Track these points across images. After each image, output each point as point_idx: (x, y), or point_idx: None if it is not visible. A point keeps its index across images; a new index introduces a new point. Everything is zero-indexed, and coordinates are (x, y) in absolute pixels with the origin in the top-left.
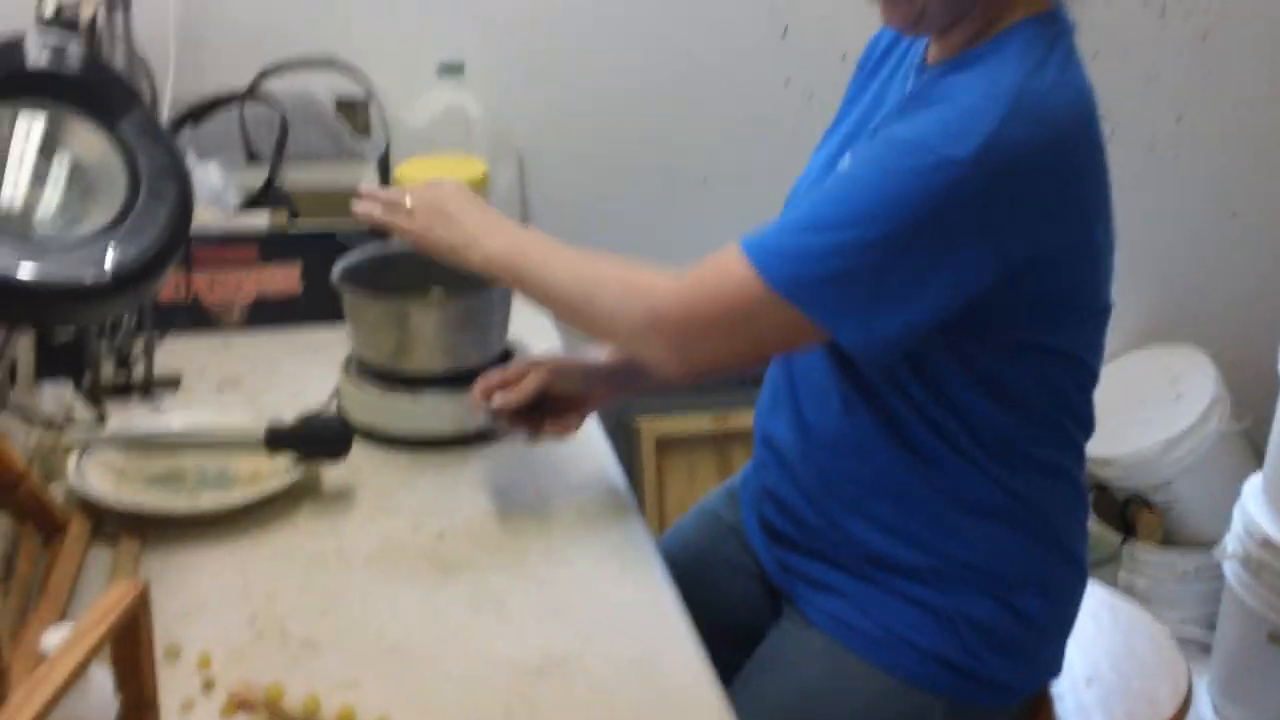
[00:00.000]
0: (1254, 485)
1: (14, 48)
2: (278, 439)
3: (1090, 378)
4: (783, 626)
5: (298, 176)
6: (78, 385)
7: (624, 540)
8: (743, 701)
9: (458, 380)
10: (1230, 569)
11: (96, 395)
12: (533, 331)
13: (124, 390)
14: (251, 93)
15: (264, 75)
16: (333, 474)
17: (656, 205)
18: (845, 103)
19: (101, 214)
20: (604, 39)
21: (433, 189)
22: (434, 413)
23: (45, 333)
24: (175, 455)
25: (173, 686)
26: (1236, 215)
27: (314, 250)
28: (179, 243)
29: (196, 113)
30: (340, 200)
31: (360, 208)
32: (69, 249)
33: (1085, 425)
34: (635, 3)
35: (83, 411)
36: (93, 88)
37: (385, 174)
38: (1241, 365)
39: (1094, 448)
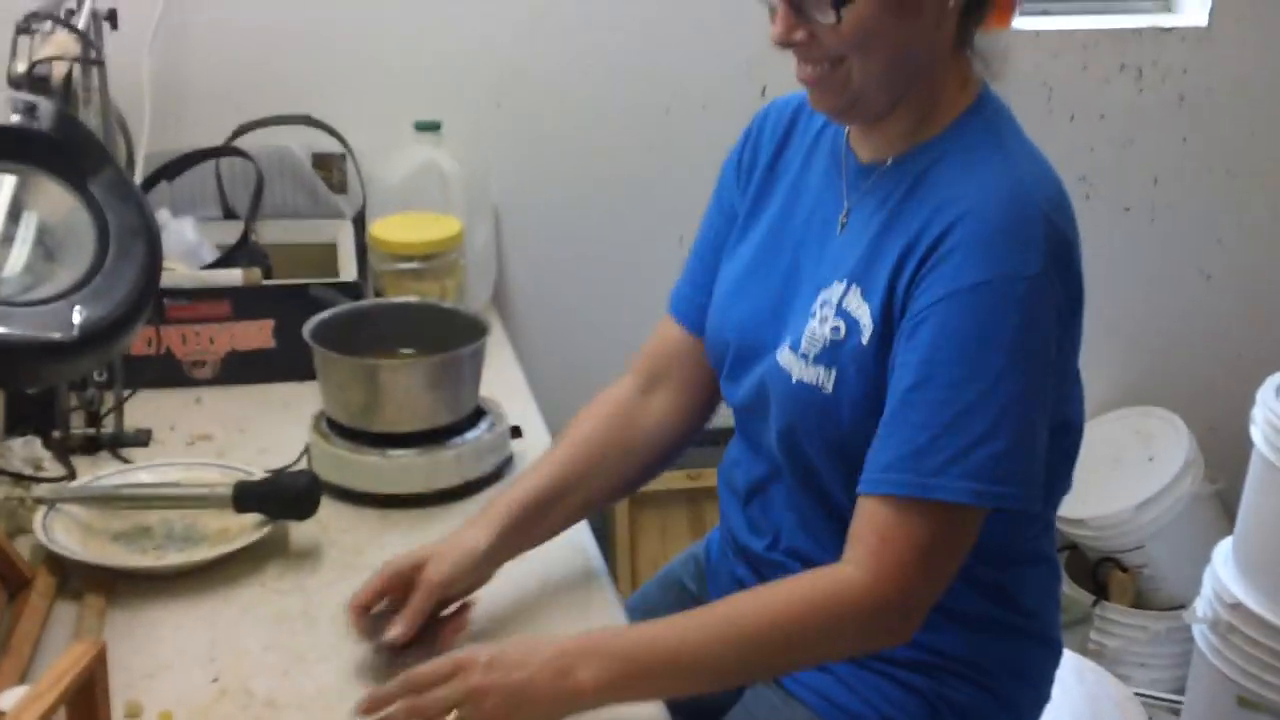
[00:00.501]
0: (1224, 549)
1: None
2: (246, 497)
3: (1078, 440)
4: (760, 696)
5: (273, 232)
6: (46, 440)
7: (591, 604)
8: None
9: (428, 438)
10: (1199, 632)
11: (65, 450)
12: (505, 389)
13: (93, 445)
14: (227, 148)
15: (240, 131)
16: (301, 531)
17: (633, 263)
18: (740, 199)
19: (70, 273)
20: (581, 97)
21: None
22: (403, 471)
23: (13, 390)
24: (143, 511)
25: None
26: (1211, 278)
27: (287, 306)
28: (147, 302)
29: (172, 168)
30: (315, 256)
31: None
32: (35, 308)
33: (1065, 492)
34: (613, 61)
35: (51, 466)
36: (63, 147)
37: (361, 230)
38: (1215, 427)
39: (1067, 509)
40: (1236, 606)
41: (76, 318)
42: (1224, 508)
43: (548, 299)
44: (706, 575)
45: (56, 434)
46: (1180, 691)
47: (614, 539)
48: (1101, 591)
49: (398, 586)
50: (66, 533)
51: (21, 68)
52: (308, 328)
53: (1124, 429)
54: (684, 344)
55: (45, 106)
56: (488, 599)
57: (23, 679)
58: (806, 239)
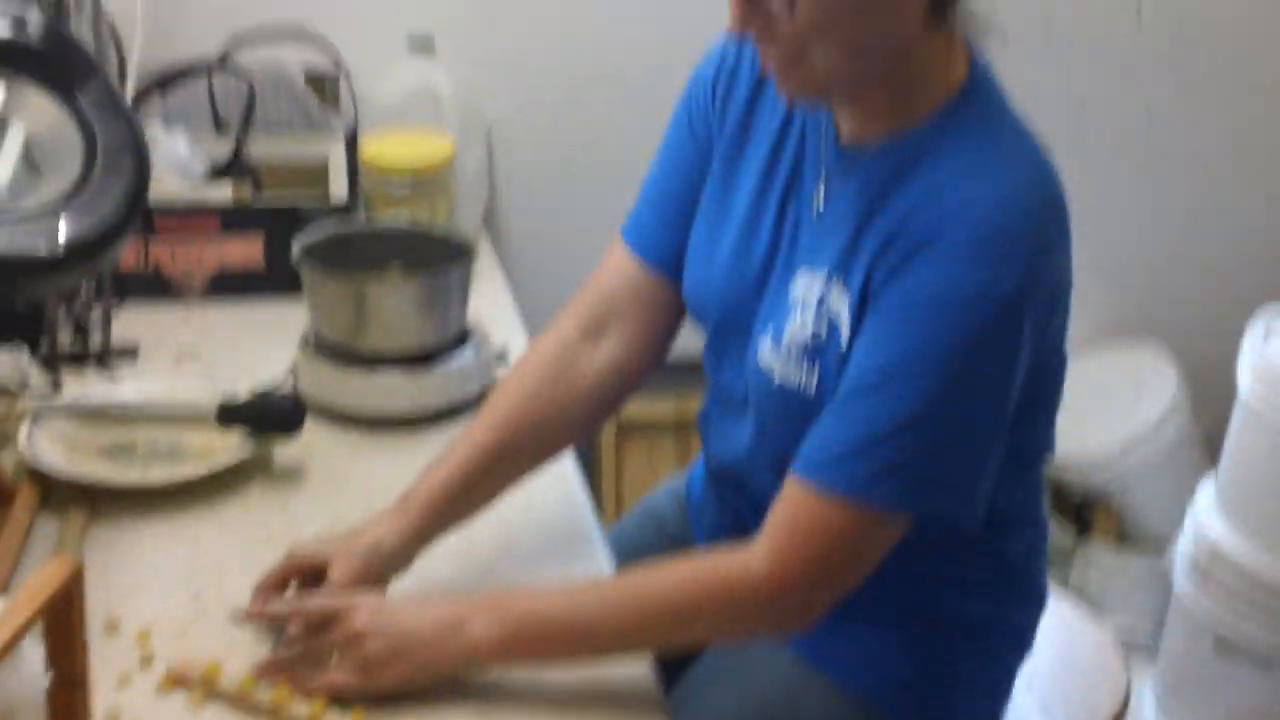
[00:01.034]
0: (1206, 491)
1: None
2: (230, 414)
3: (1059, 392)
4: None
5: (265, 148)
6: (34, 352)
7: (573, 530)
8: (694, 710)
9: (415, 360)
10: (1179, 576)
11: (52, 363)
12: (494, 313)
13: (80, 359)
14: (221, 62)
15: (233, 44)
16: (285, 451)
17: (627, 189)
18: (717, 126)
19: (56, 186)
20: (578, 18)
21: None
22: (390, 392)
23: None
24: (127, 427)
25: (111, 660)
26: (1205, 214)
27: (277, 224)
28: (133, 218)
29: (164, 81)
30: (306, 174)
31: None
32: (21, 221)
33: (1050, 452)
34: None
35: (38, 379)
36: (52, 58)
37: (353, 148)
38: (1202, 365)
39: None
40: (1216, 550)
41: (62, 232)
42: (1209, 448)
43: (540, 223)
44: (689, 514)
45: (43, 347)
46: (1159, 633)
47: (599, 465)
48: (1084, 530)
49: (304, 574)
50: (51, 446)
51: None
52: (297, 246)
53: (1111, 365)
54: (641, 281)
55: (34, 17)
56: (467, 528)
57: (3, 592)
58: (785, 213)
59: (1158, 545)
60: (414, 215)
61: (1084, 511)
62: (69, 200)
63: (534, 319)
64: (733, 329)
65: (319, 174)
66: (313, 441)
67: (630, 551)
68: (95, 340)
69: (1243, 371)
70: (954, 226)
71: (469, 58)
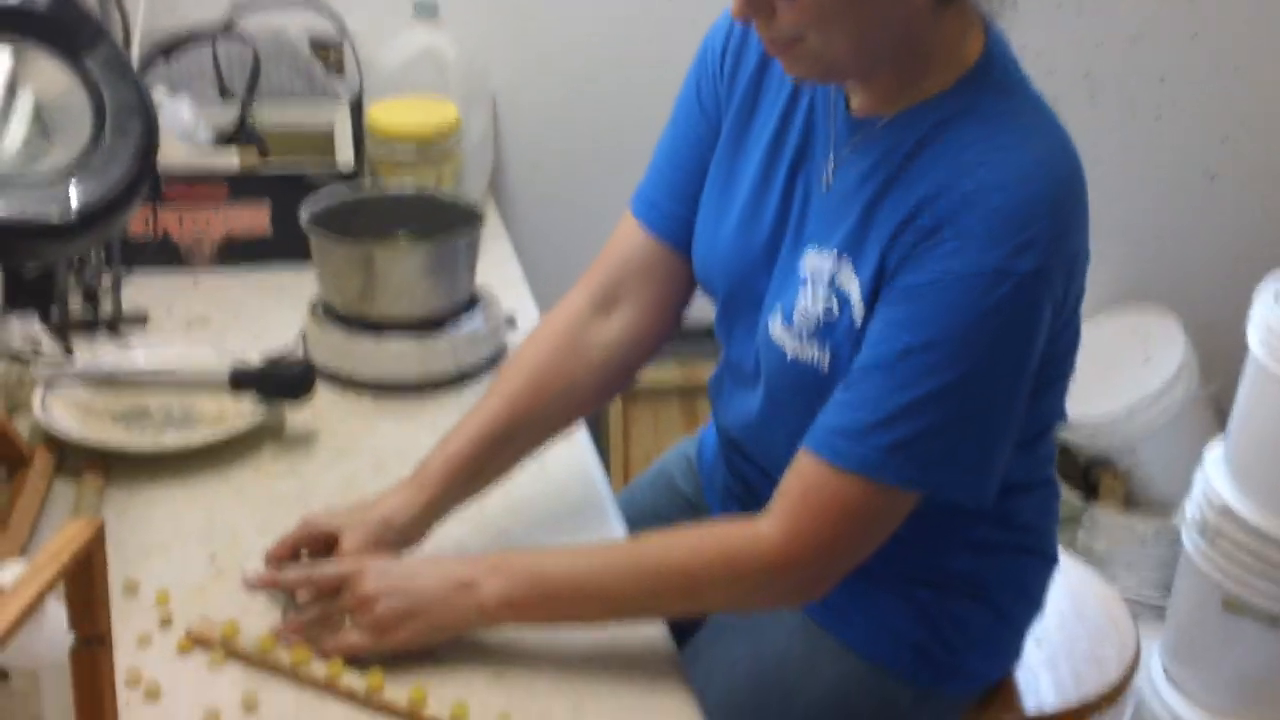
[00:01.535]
0: (1215, 453)
1: None
2: (242, 380)
3: (1074, 363)
4: None
5: (270, 114)
6: (45, 319)
7: (584, 495)
8: (705, 666)
9: (423, 326)
10: (1188, 535)
11: (64, 330)
12: (500, 279)
13: (91, 326)
14: (225, 29)
15: (238, 10)
16: (296, 416)
17: (632, 155)
18: (725, 95)
19: (65, 151)
20: None
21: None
22: (398, 357)
23: (11, 267)
24: (141, 393)
25: (130, 621)
26: (1215, 178)
27: (283, 191)
28: (144, 181)
29: (169, 47)
30: (312, 141)
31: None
32: (34, 186)
33: (1062, 416)
34: None
35: (49, 345)
36: (59, 22)
37: (359, 115)
38: (1212, 329)
39: None
40: (1225, 510)
41: (74, 196)
42: (1216, 411)
43: (545, 189)
44: (701, 478)
45: (54, 314)
46: (1167, 594)
47: (607, 430)
48: (1091, 493)
49: (316, 543)
50: (65, 412)
51: None
52: (304, 213)
53: (1121, 329)
54: (651, 253)
55: None
56: None
57: (22, 555)
58: (794, 185)
59: (1164, 509)
60: (420, 181)
61: (1090, 475)
62: (80, 165)
63: (540, 285)
64: (742, 302)
65: (324, 141)
66: (323, 407)
67: (643, 515)
68: (105, 307)
69: (1253, 332)
70: (973, 205)
71: (473, 23)
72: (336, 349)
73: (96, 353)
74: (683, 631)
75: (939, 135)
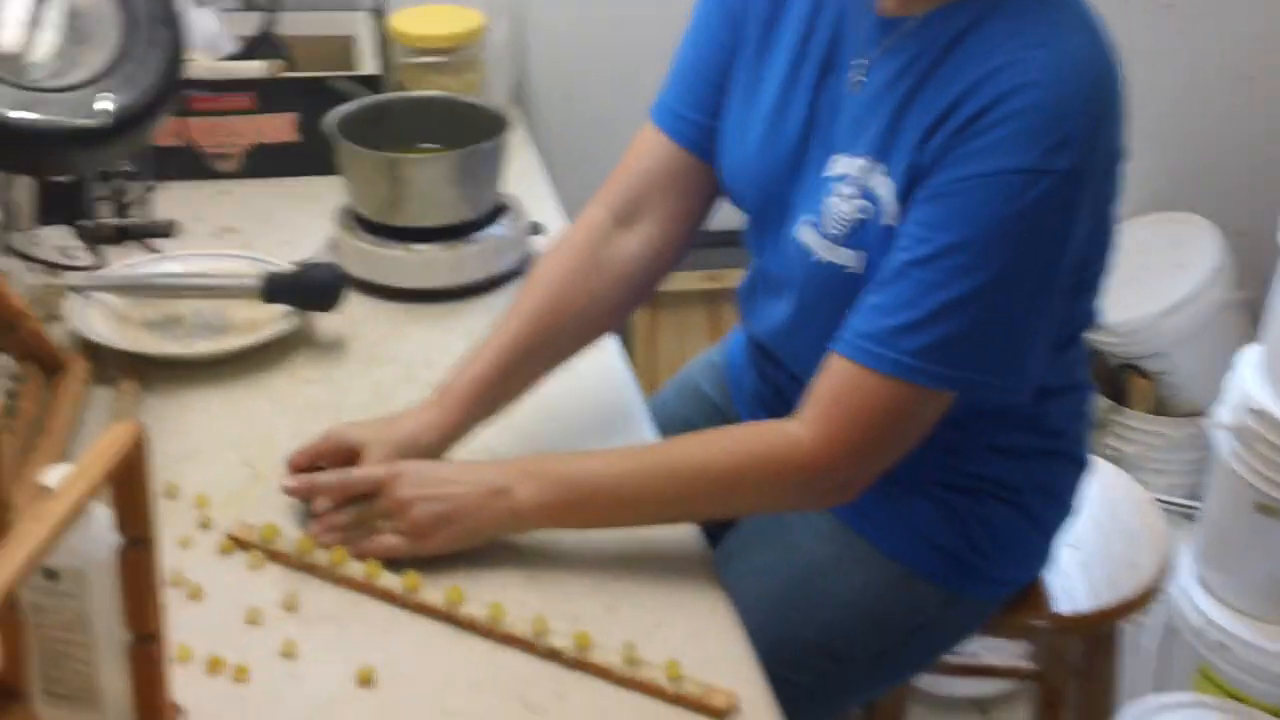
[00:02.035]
0: (1251, 356)
1: None
2: (274, 288)
3: (1109, 265)
4: None
5: (293, 24)
6: (77, 229)
7: (615, 400)
8: (736, 569)
9: (451, 233)
10: (1222, 438)
11: (95, 239)
12: (526, 187)
13: (122, 235)
14: None
15: None
16: (327, 324)
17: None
18: (749, 21)
19: (96, 59)
20: None
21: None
22: (427, 265)
23: (43, 177)
24: (173, 301)
25: (172, 523)
26: (1250, 79)
27: (310, 99)
28: (174, 88)
29: None
30: (335, 49)
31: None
32: (65, 94)
33: (1096, 319)
34: None
35: (82, 255)
36: None
37: (382, 22)
38: (1247, 233)
39: None
40: (1260, 413)
41: (107, 104)
42: (1250, 315)
43: (570, 96)
44: (729, 385)
45: (86, 223)
46: (1195, 498)
47: (632, 339)
48: (1120, 397)
49: (339, 456)
50: (99, 320)
51: None
52: (329, 121)
53: (1154, 234)
54: (672, 162)
55: None
56: None
57: (62, 460)
58: (821, 90)
59: (1191, 413)
60: (444, 89)
61: (1120, 379)
62: (112, 71)
63: (566, 193)
64: (771, 210)
65: (348, 49)
66: (353, 314)
67: (672, 421)
68: (135, 218)
69: None
70: (1007, 103)
71: None
72: (365, 257)
73: (128, 262)
74: (712, 537)
75: (972, 34)
